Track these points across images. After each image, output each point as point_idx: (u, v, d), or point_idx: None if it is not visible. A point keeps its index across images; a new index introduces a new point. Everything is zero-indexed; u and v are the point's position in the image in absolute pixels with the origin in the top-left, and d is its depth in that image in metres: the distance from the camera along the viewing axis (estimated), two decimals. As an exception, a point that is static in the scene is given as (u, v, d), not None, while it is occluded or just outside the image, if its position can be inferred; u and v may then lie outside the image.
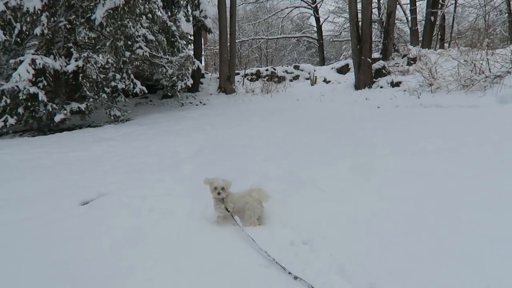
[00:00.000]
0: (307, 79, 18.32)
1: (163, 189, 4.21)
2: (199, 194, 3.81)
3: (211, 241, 2.74)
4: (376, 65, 14.99)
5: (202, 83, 17.02)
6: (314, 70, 18.79)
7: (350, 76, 17.40)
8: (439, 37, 21.97)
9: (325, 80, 17.69)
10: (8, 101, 8.91)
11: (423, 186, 3.50)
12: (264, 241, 2.58)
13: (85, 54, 9.70)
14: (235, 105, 12.65)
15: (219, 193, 3.02)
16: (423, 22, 19.65)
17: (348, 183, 3.82)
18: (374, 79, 14.57)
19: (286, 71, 18.37)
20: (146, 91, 11.35)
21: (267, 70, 18.22)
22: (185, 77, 12.31)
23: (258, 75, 18.04)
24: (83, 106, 9.84)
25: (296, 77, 18.26)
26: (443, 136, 5.48)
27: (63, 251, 2.68)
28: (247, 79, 17.83)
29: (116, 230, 3.06)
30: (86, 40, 10.94)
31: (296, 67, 18.79)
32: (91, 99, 10.03)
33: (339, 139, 6.22)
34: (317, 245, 2.51)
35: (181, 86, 12.18)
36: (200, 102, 13.95)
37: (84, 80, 9.79)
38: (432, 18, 17.73)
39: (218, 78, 17.00)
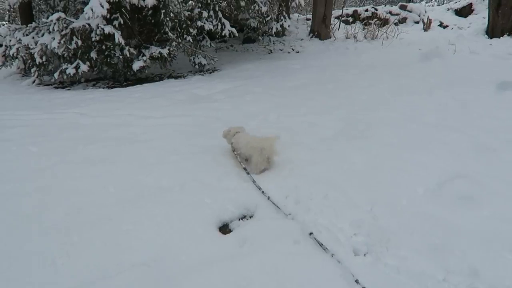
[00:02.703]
0: (416, 22, 14.80)
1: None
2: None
3: None
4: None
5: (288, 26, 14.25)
6: (425, 11, 15.13)
7: (475, 20, 13.75)
8: None
9: (441, 25, 14.08)
10: (79, 42, 7.19)
11: None
12: None
13: (167, -17, 7.54)
14: (340, 55, 9.96)
15: None
16: None
17: None
18: (518, 25, 10.84)
19: (390, 12, 14.90)
20: (236, 34, 9.04)
21: (366, 10, 14.83)
22: (281, 17, 9.80)
23: (355, 17, 14.80)
24: (165, 51, 7.88)
25: (403, 20, 14.79)
26: None
27: None
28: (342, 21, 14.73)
29: None
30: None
31: (403, 7, 15.20)
32: (173, 43, 8.02)
33: None
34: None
35: (276, 28, 9.72)
36: (292, 49, 11.35)
37: (167, 18, 7.71)
38: None
39: (307, 19, 14.14)
